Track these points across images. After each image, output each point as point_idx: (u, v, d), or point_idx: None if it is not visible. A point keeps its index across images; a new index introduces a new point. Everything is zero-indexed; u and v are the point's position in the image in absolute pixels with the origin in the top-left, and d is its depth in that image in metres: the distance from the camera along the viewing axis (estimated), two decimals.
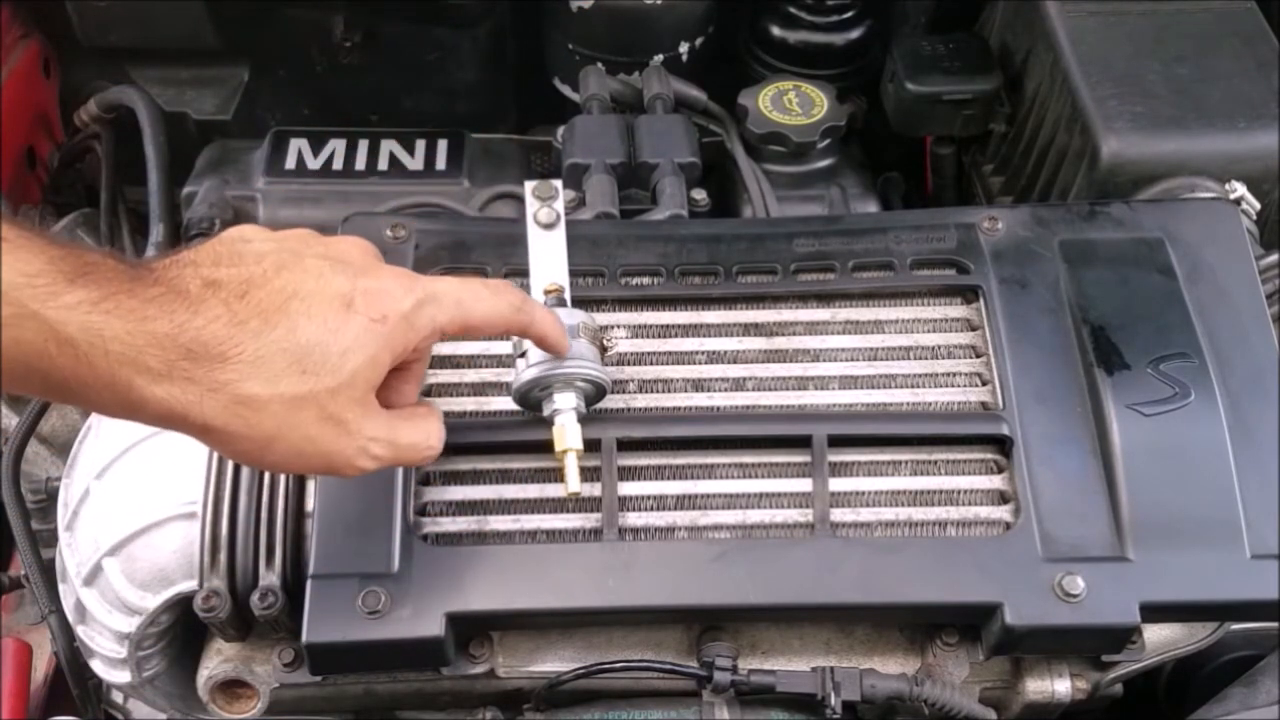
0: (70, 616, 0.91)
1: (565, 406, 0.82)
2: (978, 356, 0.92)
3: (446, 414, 0.88)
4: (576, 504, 0.85)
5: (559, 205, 0.90)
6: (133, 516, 0.86)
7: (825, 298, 0.95)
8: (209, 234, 1.18)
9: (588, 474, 0.85)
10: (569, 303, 0.86)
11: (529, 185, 0.90)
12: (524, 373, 0.82)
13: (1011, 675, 0.91)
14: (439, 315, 0.71)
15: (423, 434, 0.75)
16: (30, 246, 0.59)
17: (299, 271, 0.66)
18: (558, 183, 0.91)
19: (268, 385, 0.63)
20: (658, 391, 0.90)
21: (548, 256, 0.88)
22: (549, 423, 0.83)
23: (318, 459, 0.68)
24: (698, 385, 0.91)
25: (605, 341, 0.89)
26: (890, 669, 0.88)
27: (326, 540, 0.83)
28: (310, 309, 0.65)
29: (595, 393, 0.85)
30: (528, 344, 0.83)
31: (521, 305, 0.77)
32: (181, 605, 0.87)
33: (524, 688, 0.89)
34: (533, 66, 1.46)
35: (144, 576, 0.86)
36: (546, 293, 0.87)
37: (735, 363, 0.92)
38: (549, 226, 0.88)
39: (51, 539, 0.93)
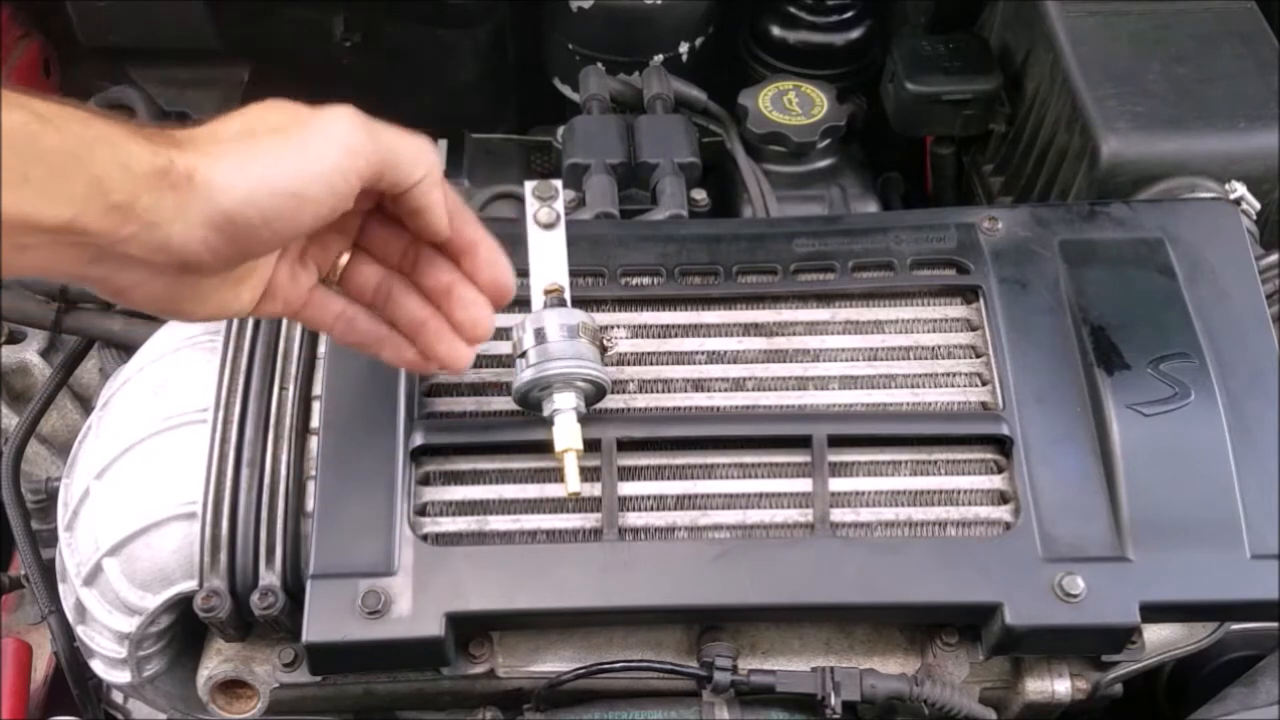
0: (70, 616, 0.91)
1: (565, 406, 0.82)
2: (978, 356, 0.92)
3: (447, 414, 0.88)
4: (576, 504, 0.85)
5: (559, 205, 0.90)
6: (133, 516, 0.86)
7: (825, 298, 0.95)
8: None
9: (588, 474, 0.85)
10: (569, 303, 0.86)
11: (529, 185, 0.90)
12: (524, 373, 0.82)
13: (1011, 675, 0.91)
14: (362, 137, 0.71)
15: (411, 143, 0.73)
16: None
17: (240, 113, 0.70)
18: (558, 183, 0.91)
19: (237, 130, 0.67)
20: (658, 391, 0.90)
21: (548, 256, 0.88)
22: (549, 423, 0.83)
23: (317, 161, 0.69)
24: (698, 385, 0.91)
25: (605, 341, 0.89)
26: (890, 669, 0.88)
27: (326, 540, 0.83)
28: (264, 111, 0.70)
29: (595, 393, 0.85)
30: (528, 344, 0.83)
31: (431, 155, 0.74)
32: (181, 605, 0.87)
33: (524, 688, 0.89)
34: (533, 66, 1.46)
35: (144, 576, 0.86)
36: (546, 293, 0.87)
37: (735, 363, 0.92)
38: (549, 226, 0.88)
39: (51, 539, 0.93)
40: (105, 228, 0.61)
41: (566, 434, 0.82)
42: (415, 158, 0.72)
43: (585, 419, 0.83)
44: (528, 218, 0.89)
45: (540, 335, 0.83)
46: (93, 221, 0.60)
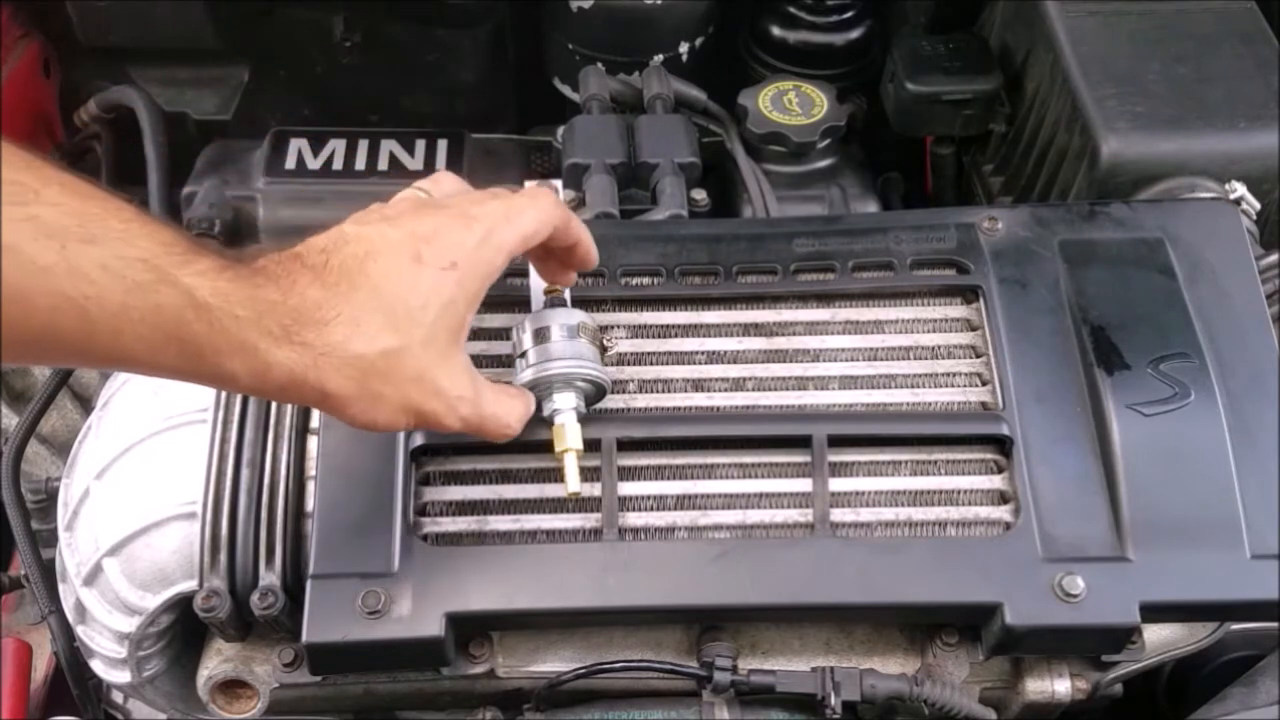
0: (70, 616, 0.91)
1: (565, 406, 0.82)
2: (978, 356, 0.92)
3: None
4: (576, 504, 0.85)
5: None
6: (133, 516, 0.86)
7: (825, 298, 0.95)
8: (209, 234, 1.18)
9: (588, 474, 0.85)
10: (569, 303, 0.86)
11: (529, 185, 0.90)
12: (523, 373, 0.82)
13: (1011, 675, 0.91)
14: (503, 241, 0.75)
15: (505, 410, 0.78)
16: (160, 223, 0.63)
17: (366, 236, 0.70)
18: (558, 182, 0.91)
19: (369, 343, 0.68)
20: (658, 391, 0.90)
21: None
22: (549, 423, 0.83)
23: (415, 416, 0.73)
24: (698, 385, 0.91)
25: (605, 342, 0.89)
26: (890, 669, 0.88)
27: (326, 540, 0.83)
28: (385, 268, 0.69)
29: (595, 393, 0.85)
30: (528, 344, 0.83)
31: (557, 201, 0.80)
32: (181, 605, 0.87)
33: (524, 688, 0.89)
34: (533, 66, 1.46)
35: (144, 576, 0.86)
36: (547, 293, 0.87)
37: (735, 363, 0.92)
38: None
39: (51, 539, 0.93)
40: None
41: (567, 434, 0.82)
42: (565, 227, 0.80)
43: (585, 419, 0.83)
44: None
45: (541, 335, 0.83)
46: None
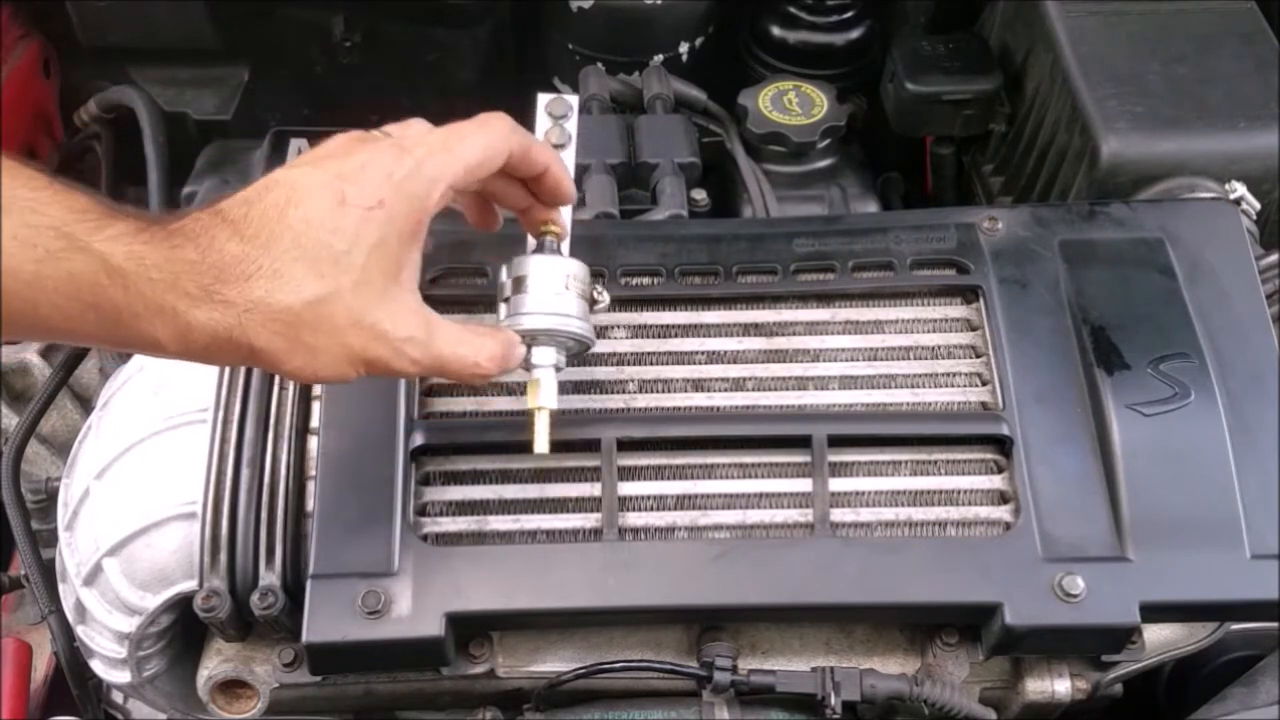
0: (70, 616, 0.91)
1: (544, 363, 0.79)
2: (978, 356, 0.92)
3: (447, 414, 0.88)
4: (576, 504, 0.85)
5: (571, 125, 0.85)
6: (133, 516, 0.86)
7: (825, 298, 0.95)
8: None
9: (588, 474, 0.85)
10: (568, 231, 0.82)
11: (542, 99, 0.85)
12: (501, 323, 0.79)
13: (1011, 675, 0.91)
14: (440, 172, 0.70)
15: (472, 349, 0.74)
16: (73, 189, 0.63)
17: (289, 181, 0.67)
18: (573, 99, 0.86)
19: (293, 294, 0.65)
20: (658, 391, 0.90)
21: None
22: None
23: (362, 364, 0.70)
24: (698, 385, 0.91)
25: (595, 294, 0.83)
26: (890, 669, 0.88)
27: (326, 540, 0.83)
28: (306, 213, 0.66)
29: (578, 348, 0.82)
30: (508, 292, 0.79)
31: (513, 127, 0.75)
32: (181, 605, 0.87)
33: (524, 688, 0.89)
34: (533, 66, 1.46)
35: (144, 576, 0.86)
36: (541, 233, 0.82)
37: (735, 363, 0.92)
38: (560, 148, 0.84)
39: (51, 539, 0.93)
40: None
41: (541, 391, 0.79)
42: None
43: (585, 420, 0.83)
44: (538, 136, 0.84)
45: (520, 284, 0.79)
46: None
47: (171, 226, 0.64)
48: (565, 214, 0.83)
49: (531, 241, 0.83)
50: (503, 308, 0.81)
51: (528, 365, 0.80)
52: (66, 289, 0.61)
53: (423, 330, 0.71)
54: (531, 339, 0.79)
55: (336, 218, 0.66)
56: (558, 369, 0.81)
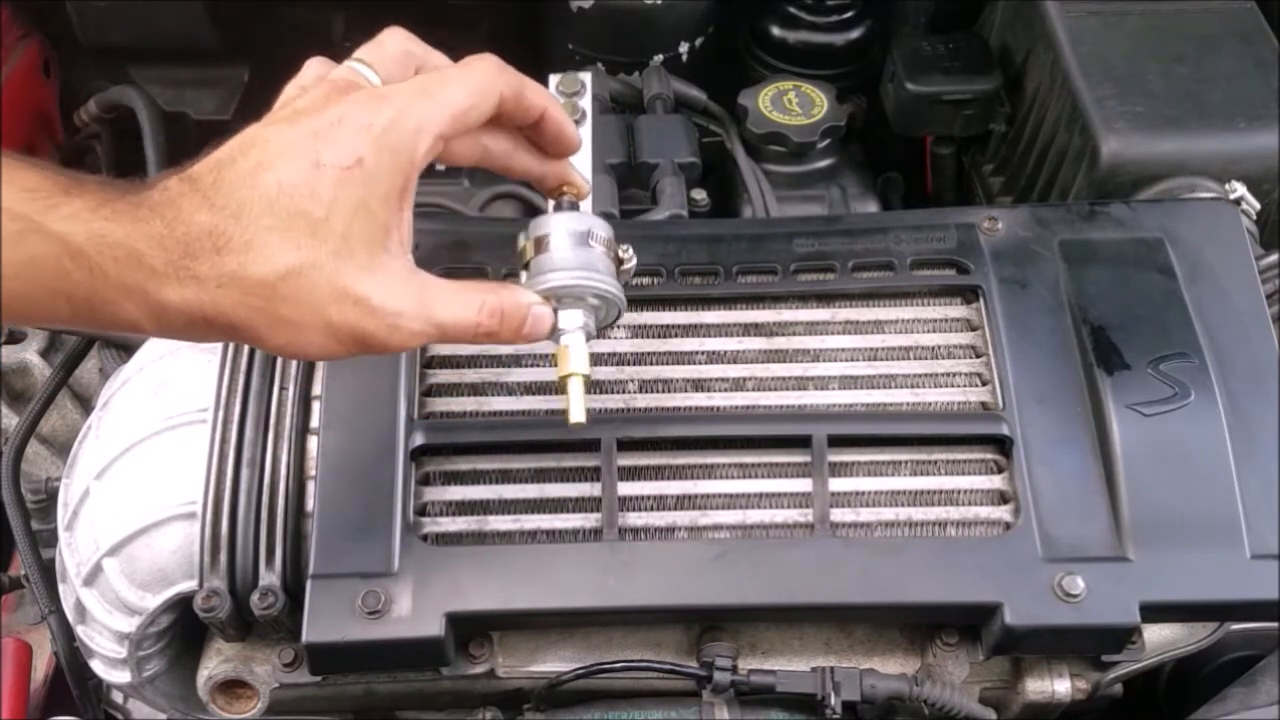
0: (70, 616, 0.91)
1: (571, 326, 0.73)
2: (978, 356, 0.92)
3: (447, 414, 0.88)
4: (576, 504, 0.85)
5: (585, 101, 0.83)
6: (133, 516, 0.86)
7: (825, 298, 0.95)
8: None
9: (587, 474, 0.85)
10: (589, 189, 0.78)
11: (554, 78, 0.82)
12: (525, 286, 0.73)
13: (1011, 675, 0.91)
14: (423, 121, 0.64)
15: (466, 309, 0.67)
16: (25, 165, 0.59)
17: (262, 140, 0.63)
18: (586, 76, 0.83)
19: (267, 266, 0.61)
20: (658, 391, 0.90)
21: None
22: (551, 424, 0.81)
23: (352, 341, 0.65)
24: (698, 385, 0.91)
25: (621, 253, 0.77)
26: (890, 669, 0.88)
27: (326, 540, 0.83)
28: (279, 177, 0.61)
29: (608, 311, 0.75)
30: (530, 254, 0.74)
31: (501, 67, 0.69)
32: (181, 605, 0.87)
33: (524, 688, 0.89)
34: (533, 66, 1.46)
35: (144, 576, 0.86)
36: (561, 193, 0.78)
37: (735, 363, 0.92)
38: (575, 124, 0.78)
39: (51, 539, 0.93)
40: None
41: (572, 357, 0.73)
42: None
43: (585, 418, 0.82)
44: None
45: (542, 244, 0.73)
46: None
47: (136, 198, 0.60)
48: (585, 169, 0.78)
49: (550, 205, 0.78)
50: (523, 274, 0.75)
51: (554, 334, 0.73)
52: (29, 274, 0.57)
53: (415, 300, 0.65)
54: (556, 300, 0.73)
55: (312, 180, 0.61)
56: (587, 334, 0.74)
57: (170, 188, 0.61)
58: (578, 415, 0.73)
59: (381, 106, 0.64)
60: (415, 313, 0.65)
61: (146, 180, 0.62)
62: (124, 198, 0.60)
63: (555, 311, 0.72)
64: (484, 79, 0.68)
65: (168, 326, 0.62)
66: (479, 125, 0.69)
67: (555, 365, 0.74)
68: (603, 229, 0.74)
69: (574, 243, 0.73)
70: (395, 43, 0.71)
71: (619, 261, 0.76)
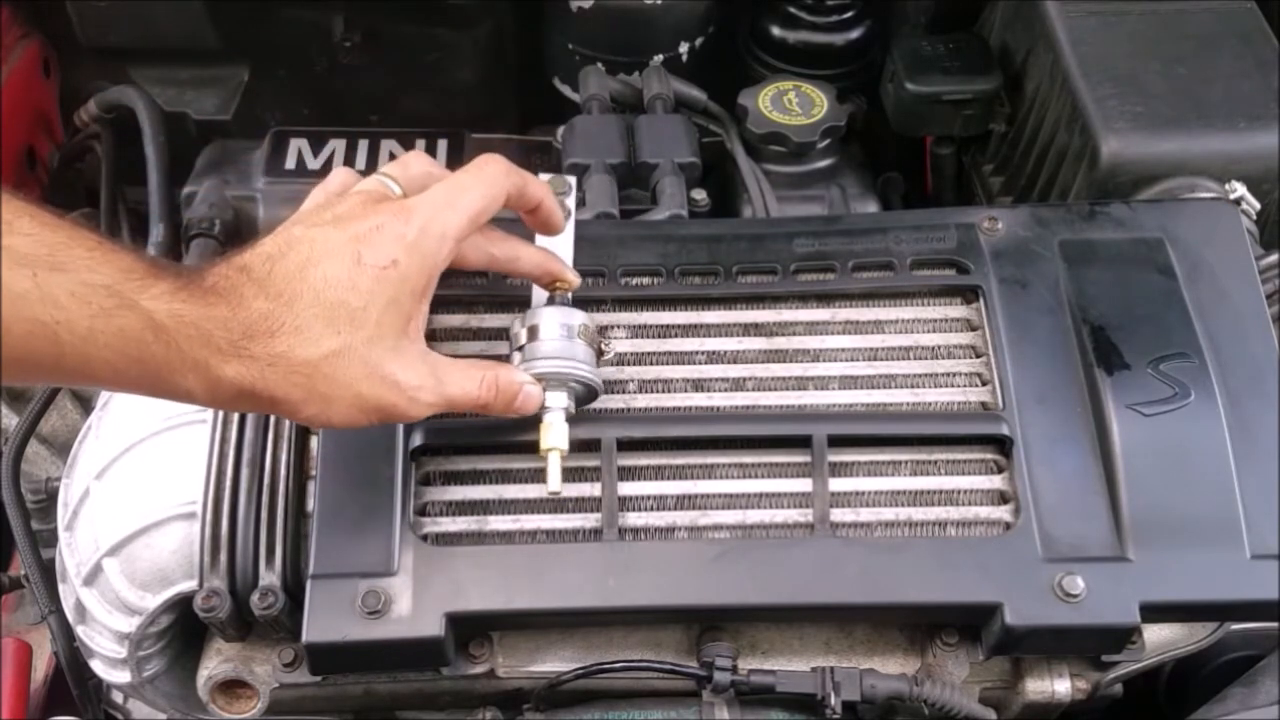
0: (70, 616, 0.91)
1: (555, 406, 0.82)
2: (978, 356, 0.92)
3: (447, 414, 0.88)
4: (576, 504, 0.85)
5: (571, 201, 0.90)
6: (133, 516, 0.86)
7: (825, 298, 0.95)
8: (209, 234, 1.18)
9: (588, 474, 0.85)
10: (576, 284, 0.87)
11: (543, 178, 0.89)
12: (518, 367, 0.83)
13: (1011, 675, 0.91)
14: (446, 229, 0.75)
15: (471, 384, 0.78)
16: (120, 249, 0.67)
17: (310, 240, 0.72)
18: (572, 180, 0.91)
19: (312, 348, 0.70)
20: (658, 391, 0.90)
21: (555, 251, 0.88)
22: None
23: (374, 412, 0.74)
24: (698, 385, 0.91)
25: (603, 346, 0.89)
26: (890, 669, 0.88)
27: (326, 540, 0.83)
28: (326, 273, 0.71)
29: (586, 394, 0.85)
30: (523, 338, 0.83)
31: (508, 170, 0.81)
32: (181, 605, 0.87)
33: (524, 688, 0.89)
34: (533, 66, 1.46)
35: (144, 576, 0.86)
36: (549, 288, 0.87)
37: (735, 363, 0.92)
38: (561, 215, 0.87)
39: (51, 539, 0.93)
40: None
41: (552, 433, 0.82)
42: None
43: (585, 419, 0.83)
44: None
45: (534, 333, 0.83)
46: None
47: (206, 284, 0.69)
48: (566, 256, 0.89)
49: (542, 294, 0.87)
50: (516, 356, 0.84)
51: (541, 411, 0.82)
52: (116, 344, 0.65)
53: (431, 377, 0.76)
54: (544, 384, 0.82)
55: (354, 277, 0.71)
56: (568, 414, 0.83)
57: (230, 276, 0.70)
58: (554, 485, 0.81)
59: (412, 217, 0.75)
60: (431, 387, 0.76)
61: (204, 269, 0.70)
62: (194, 283, 0.68)
63: (544, 390, 0.82)
64: (494, 184, 0.79)
65: (219, 397, 0.70)
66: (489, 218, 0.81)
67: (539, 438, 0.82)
68: (588, 323, 0.85)
69: (563, 334, 0.83)
70: (419, 165, 0.82)
71: (600, 352, 0.87)
